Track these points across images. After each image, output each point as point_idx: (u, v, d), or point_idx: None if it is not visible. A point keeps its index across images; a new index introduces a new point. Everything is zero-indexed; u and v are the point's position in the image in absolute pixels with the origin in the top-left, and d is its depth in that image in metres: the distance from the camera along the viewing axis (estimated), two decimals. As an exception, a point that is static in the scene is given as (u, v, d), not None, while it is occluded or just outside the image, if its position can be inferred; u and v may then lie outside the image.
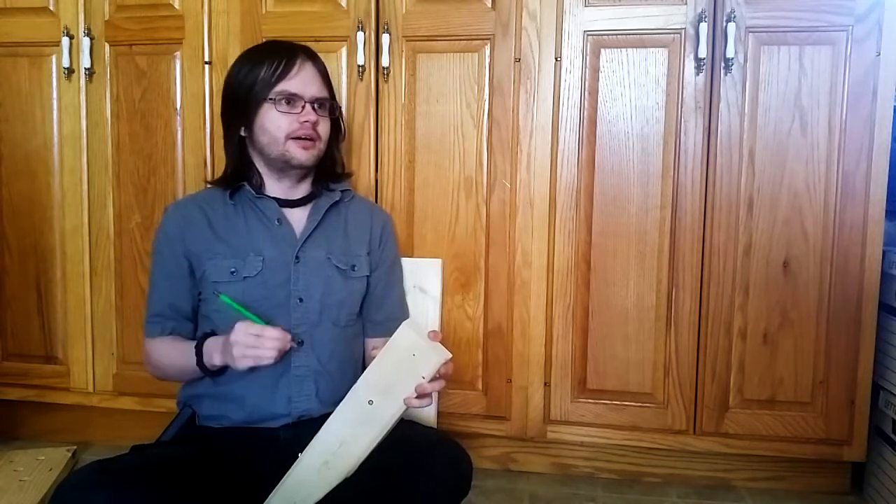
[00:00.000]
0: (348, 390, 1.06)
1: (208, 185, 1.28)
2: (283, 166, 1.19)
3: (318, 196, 1.24)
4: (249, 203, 1.20)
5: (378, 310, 1.28)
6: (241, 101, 1.17)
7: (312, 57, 1.20)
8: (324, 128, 1.20)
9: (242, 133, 1.19)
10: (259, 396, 1.12)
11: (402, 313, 1.33)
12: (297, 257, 1.17)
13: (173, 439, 1.14)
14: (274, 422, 1.13)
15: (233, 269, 1.15)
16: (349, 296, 1.22)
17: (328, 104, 1.20)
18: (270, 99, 1.14)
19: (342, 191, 1.26)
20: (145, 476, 0.92)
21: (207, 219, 1.19)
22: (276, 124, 1.15)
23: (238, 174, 1.21)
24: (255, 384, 1.12)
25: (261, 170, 1.22)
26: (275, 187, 1.22)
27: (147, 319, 1.21)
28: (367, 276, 1.25)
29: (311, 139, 1.17)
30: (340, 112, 1.27)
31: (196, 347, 1.11)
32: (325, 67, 1.21)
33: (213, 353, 1.08)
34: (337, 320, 1.20)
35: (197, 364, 1.10)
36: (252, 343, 1.01)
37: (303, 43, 1.23)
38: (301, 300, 1.16)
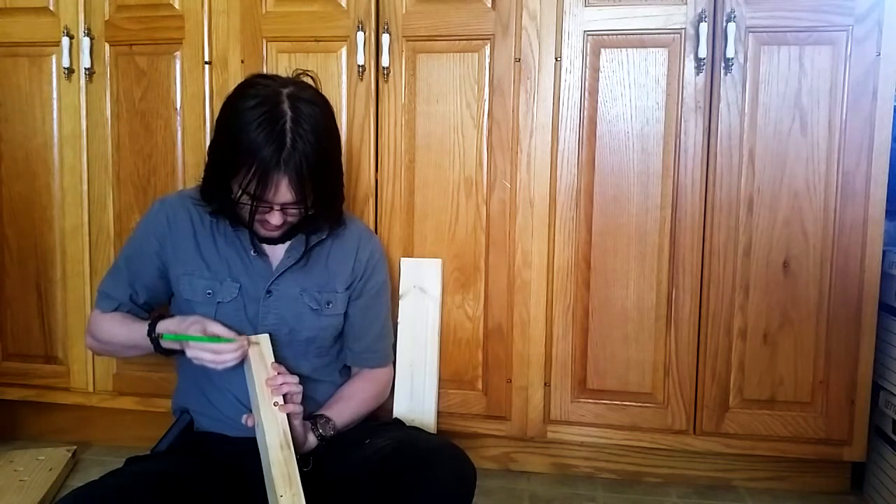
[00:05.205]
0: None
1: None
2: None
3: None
4: (230, 228, 1.15)
5: (357, 341, 1.25)
6: (226, 160, 1.05)
7: (296, 159, 1.00)
8: (292, 218, 1.09)
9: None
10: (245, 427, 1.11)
11: (381, 346, 1.29)
12: (268, 291, 1.14)
13: (169, 448, 1.12)
14: None
15: (209, 291, 1.14)
16: (321, 332, 1.19)
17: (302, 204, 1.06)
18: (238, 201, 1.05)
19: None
20: (126, 500, 0.90)
21: (193, 230, 1.17)
22: (243, 212, 1.07)
23: (212, 198, 1.11)
24: (241, 416, 1.11)
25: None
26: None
27: (103, 293, 1.22)
28: (343, 313, 1.21)
29: (274, 231, 1.10)
30: (329, 197, 1.12)
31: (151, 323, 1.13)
32: (312, 160, 1.01)
33: (168, 323, 1.11)
34: (306, 354, 1.18)
35: (148, 334, 1.11)
36: (210, 352, 1.04)
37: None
38: (270, 335, 1.13)
